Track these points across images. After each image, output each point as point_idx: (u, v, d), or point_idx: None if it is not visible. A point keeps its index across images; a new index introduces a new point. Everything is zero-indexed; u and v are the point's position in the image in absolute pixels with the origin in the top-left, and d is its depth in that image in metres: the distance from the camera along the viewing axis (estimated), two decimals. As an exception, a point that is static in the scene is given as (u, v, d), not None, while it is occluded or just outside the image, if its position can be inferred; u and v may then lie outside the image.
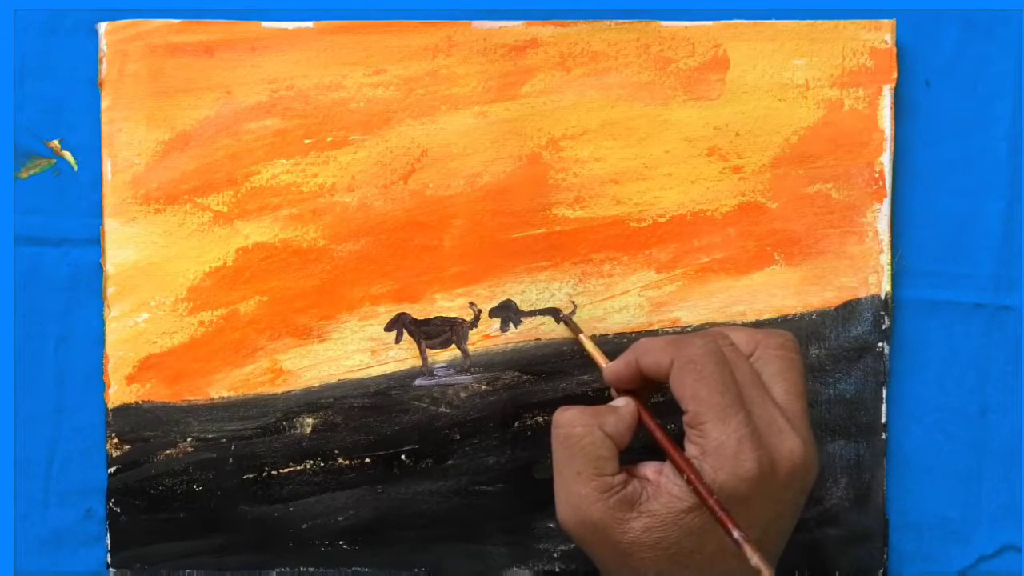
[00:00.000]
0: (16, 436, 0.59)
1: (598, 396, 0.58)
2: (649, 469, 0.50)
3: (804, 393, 0.51)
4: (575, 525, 0.50)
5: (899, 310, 0.59)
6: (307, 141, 0.58)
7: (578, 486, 0.50)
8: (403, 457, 0.59)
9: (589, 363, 0.57)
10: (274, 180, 0.58)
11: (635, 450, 0.51)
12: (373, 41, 0.58)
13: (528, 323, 0.59)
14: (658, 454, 0.51)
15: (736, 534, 0.46)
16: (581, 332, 0.57)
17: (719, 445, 0.48)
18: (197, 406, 0.59)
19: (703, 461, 0.48)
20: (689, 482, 0.48)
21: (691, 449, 0.49)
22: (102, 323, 0.58)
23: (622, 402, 0.52)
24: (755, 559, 0.45)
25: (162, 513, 0.59)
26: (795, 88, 0.58)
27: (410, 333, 0.59)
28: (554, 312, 0.59)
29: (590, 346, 0.56)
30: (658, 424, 0.51)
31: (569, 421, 0.51)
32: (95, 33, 0.58)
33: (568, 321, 0.58)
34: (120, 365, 0.58)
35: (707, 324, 0.58)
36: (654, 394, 0.53)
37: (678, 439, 0.50)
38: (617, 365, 0.52)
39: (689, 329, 0.59)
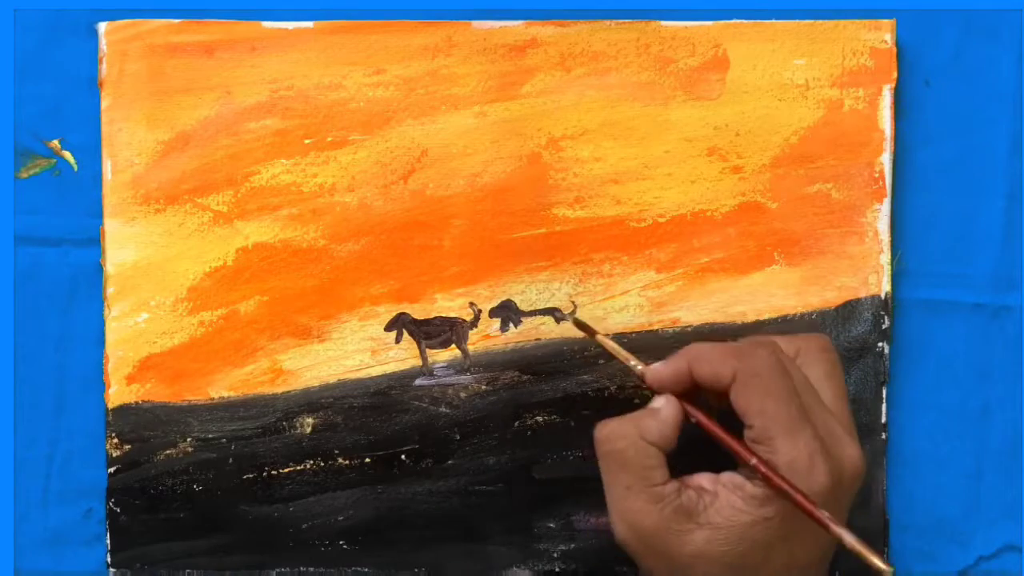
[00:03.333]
0: (16, 436, 0.59)
1: (598, 396, 0.58)
2: (704, 479, 0.49)
3: (847, 394, 0.51)
4: (632, 539, 0.49)
5: (899, 310, 0.59)
6: (307, 141, 0.58)
7: (629, 500, 0.48)
8: (403, 457, 0.59)
9: (589, 363, 0.58)
10: (274, 180, 0.58)
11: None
12: (373, 41, 0.58)
13: (528, 323, 0.59)
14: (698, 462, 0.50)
15: (833, 526, 0.45)
16: (597, 332, 0.55)
17: (791, 460, 0.47)
18: (197, 406, 0.59)
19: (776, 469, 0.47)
20: (767, 480, 0.47)
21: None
22: (102, 323, 0.58)
23: (662, 402, 0.50)
24: (850, 539, 0.45)
25: (162, 513, 0.59)
26: (795, 88, 0.58)
27: (410, 333, 0.59)
28: (554, 312, 0.59)
29: (614, 346, 0.53)
30: (717, 424, 0.49)
31: (609, 436, 0.49)
32: (95, 33, 0.58)
33: (580, 322, 0.56)
34: (120, 365, 0.58)
35: (707, 324, 0.58)
36: (697, 395, 0.51)
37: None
38: (662, 371, 0.50)
39: (688, 329, 0.58)
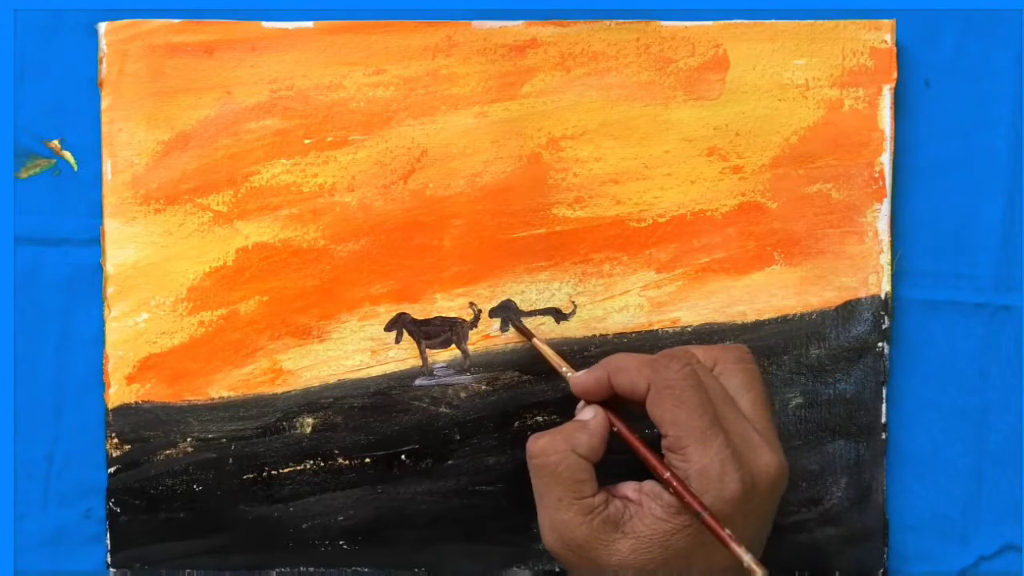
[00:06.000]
0: (16, 436, 0.59)
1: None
2: (629, 489, 0.50)
3: (767, 403, 0.52)
4: (562, 550, 0.50)
5: (899, 310, 0.59)
6: (307, 141, 0.58)
7: (560, 512, 0.50)
8: (403, 457, 0.59)
9: (588, 363, 0.57)
10: (274, 180, 0.58)
11: (612, 451, 0.51)
12: (373, 41, 0.58)
13: (528, 323, 0.59)
14: (633, 467, 0.51)
15: (733, 545, 0.46)
16: (534, 336, 0.57)
17: (703, 468, 0.48)
18: (197, 406, 0.59)
19: (687, 484, 0.48)
20: (678, 495, 0.48)
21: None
22: (102, 323, 0.58)
23: (590, 414, 0.52)
24: (748, 560, 0.46)
25: (162, 513, 0.59)
26: (795, 88, 0.58)
27: (410, 333, 0.59)
28: (554, 312, 0.59)
29: (548, 352, 0.55)
30: (637, 437, 0.51)
31: (543, 450, 0.51)
32: (95, 33, 0.58)
33: (519, 325, 0.57)
34: (120, 365, 0.58)
35: (707, 324, 0.58)
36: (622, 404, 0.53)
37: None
38: (586, 379, 0.52)
39: (688, 329, 0.59)
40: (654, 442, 0.50)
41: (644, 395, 0.50)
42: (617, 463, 0.51)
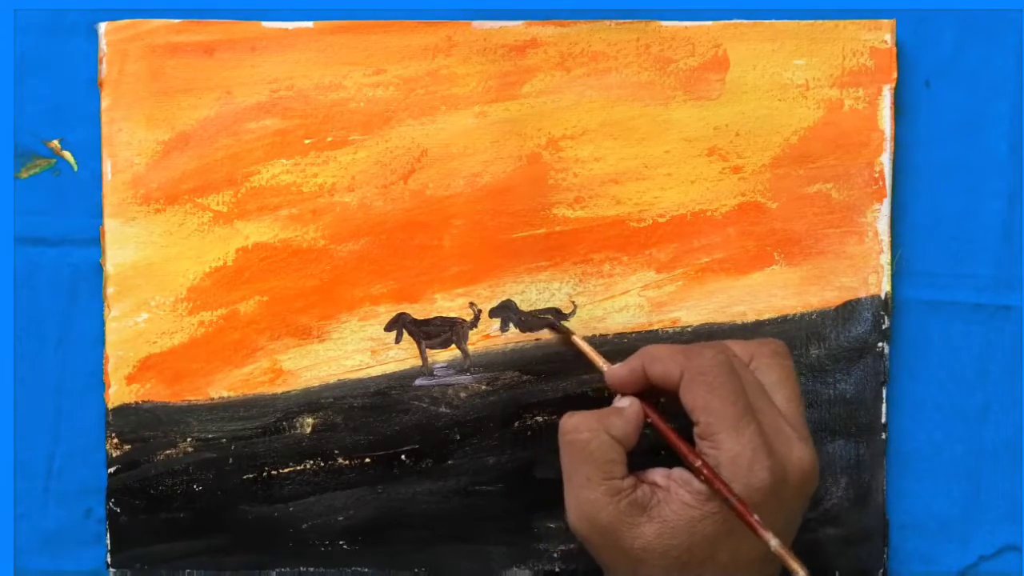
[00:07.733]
0: (16, 436, 0.59)
1: (600, 397, 0.58)
2: (658, 475, 0.51)
3: (801, 399, 0.52)
4: (586, 530, 0.50)
5: (899, 310, 0.59)
6: (307, 141, 0.58)
7: (588, 491, 0.50)
8: (403, 457, 0.59)
9: (589, 363, 0.57)
10: (274, 180, 0.58)
11: (642, 452, 0.52)
12: (373, 41, 0.58)
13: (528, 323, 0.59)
14: (661, 460, 0.51)
15: (761, 531, 0.47)
16: (574, 334, 0.57)
17: (734, 456, 0.48)
18: (197, 406, 0.59)
19: (717, 472, 0.48)
20: (708, 482, 0.48)
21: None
22: (102, 323, 0.58)
23: (626, 403, 0.52)
24: (775, 544, 0.46)
25: (162, 513, 0.59)
26: (795, 88, 0.58)
27: (410, 333, 0.59)
28: (554, 312, 0.59)
29: (586, 348, 0.56)
30: (669, 426, 0.51)
31: (575, 427, 0.51)
32: (95, 33, 0.58)
33: (558, 326, 0.58)
34: (120, 365, 0.58)
35: (707, 324, 0.58)
36: (657, 397, 0.53)
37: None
38: (621, 371, 0.52)
39: (688, 329, 0.59)
40: (686, 433, 0.50)
41: (677, 383, 0.50)
42: (645, 460, 0.52)
